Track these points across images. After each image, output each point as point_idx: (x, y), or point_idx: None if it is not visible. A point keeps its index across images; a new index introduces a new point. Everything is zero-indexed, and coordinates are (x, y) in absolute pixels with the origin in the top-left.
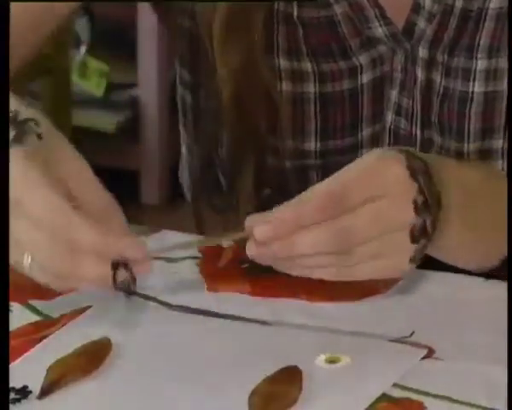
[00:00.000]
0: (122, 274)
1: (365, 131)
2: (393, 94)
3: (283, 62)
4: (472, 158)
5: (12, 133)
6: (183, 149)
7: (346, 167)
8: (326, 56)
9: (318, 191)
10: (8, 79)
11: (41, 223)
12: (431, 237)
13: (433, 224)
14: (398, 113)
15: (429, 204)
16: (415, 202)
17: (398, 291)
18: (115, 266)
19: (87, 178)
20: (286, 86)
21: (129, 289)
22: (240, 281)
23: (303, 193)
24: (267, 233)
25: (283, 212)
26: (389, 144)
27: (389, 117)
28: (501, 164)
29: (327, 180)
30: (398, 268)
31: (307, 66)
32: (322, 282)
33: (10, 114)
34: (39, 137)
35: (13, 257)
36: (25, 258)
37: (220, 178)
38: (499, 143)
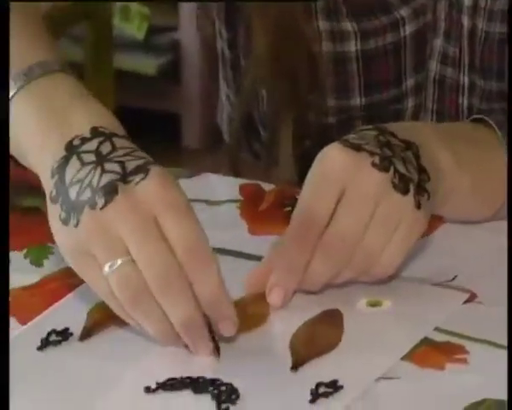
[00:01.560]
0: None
1: (409, 82)
2: (437, 43)
3: (323, 24)
4: None
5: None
6: (223, 98)
7: (301, 192)
8: (366, 14)
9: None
10: (8, 79)
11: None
12: (415, 177)
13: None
14: (443, 62)
15: (393, 154)
16: (373, 164)
17: (440, 235)
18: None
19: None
20: (326, 47)
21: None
22: (281, 224)
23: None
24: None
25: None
26: (433, 93)
27: (433, 66)
28: None
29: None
30: (412, 228)
31: (347, 25)
32: None
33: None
34: None
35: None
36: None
37: (260, 129)
38: None
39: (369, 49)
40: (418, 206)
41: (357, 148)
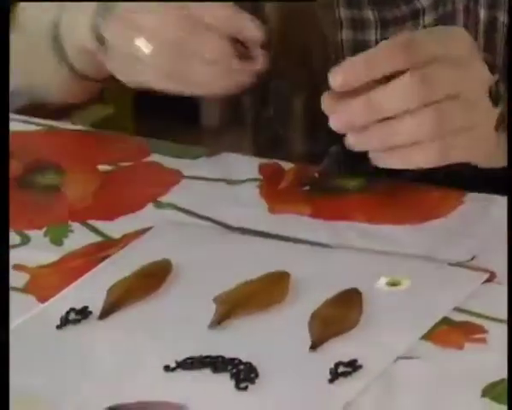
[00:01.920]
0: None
1: None
2: (460, 15)
3: (344, 11)
4: None
5: None
6: None
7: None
8: (388, 3)
9: (385, 42)
10: (8, 79)
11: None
12: (505, 105)
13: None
14: None
15: (496, 65)
16: (486, 61)
17: (460, 215)
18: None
19: None
20: (346, 35)
21: None
22: (300, 203)
23: None
24: (340, 76)
25: (355, 59)
26: None
27: None
28: None
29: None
30: (487, 139)
31: (368, 14)
32: (382, 204)
33: None
34: None
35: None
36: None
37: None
38: None
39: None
40: (497, 128)
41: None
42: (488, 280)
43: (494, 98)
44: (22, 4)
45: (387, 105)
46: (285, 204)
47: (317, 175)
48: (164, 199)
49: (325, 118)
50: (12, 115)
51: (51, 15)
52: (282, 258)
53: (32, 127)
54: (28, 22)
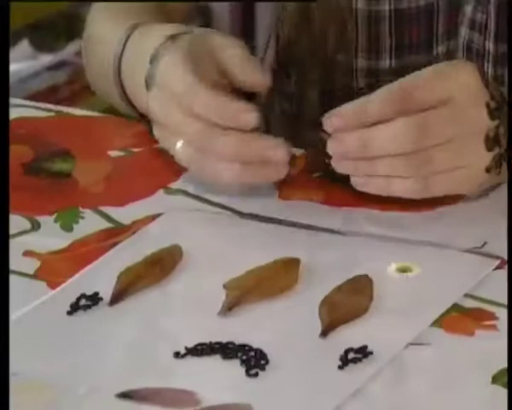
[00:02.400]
0: None
1: (440, 47)
2: (468, 9)
3: None
4: None
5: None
6: None
7: (416, 72)
8: None
9: (387, 87)
10: (7, 79)
11: (178, 100)
12: (504, 146)
13: (505, 133)
14: (471, 27)
15: (501, 109)
16: (487, 106)
17: (470, 202)
18: None
19: (235, 53)
20: (360, 4)
21: None
22: (312, 190)
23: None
24: (335, 122)
25: (351, 104)
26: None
27: (463, 32)
28: None
29: (396, 81)
30: (475, 178)
31: None
32: None
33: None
34: None
35: (165, 144)
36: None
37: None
38: None
39: (401, 9)
40: (488, 170)
41: (486, 83)
42: (499, 267)
43: (489, 144)
44: (91, 15)
45: (379, 146)
46: (296, 190)
47: (327, 161)
48: (174, 185)
49: (337, 102)
50: (23, 101)
51: (116, 44)
52: (293, 244)
53: (44, 113)
54: (98, 38)
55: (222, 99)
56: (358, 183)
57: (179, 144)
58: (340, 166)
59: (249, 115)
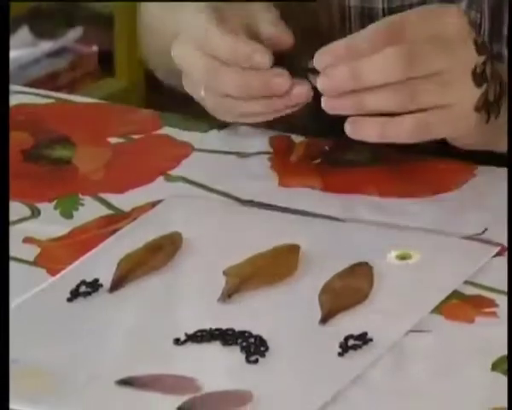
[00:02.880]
0: None
1: None
2: (462, 6)
3: None
4: None
5: None
6: None
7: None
8: None
9: (376, 23)
10: (7, 78)
11: (195, 39)
12: (491, 84)
13: (492, 70)
14: None
15: (487, 47)
16: (475, 42)
17: (470, 188)
18: None
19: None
20: (354, 1)
21: None
22: (311, 176)
23: None
24: (325, 57)
25: (341, 40)
26: None
27: None
28: None
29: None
30: (466, 118)
31: None
32: (393, 177)
33: None
34: None
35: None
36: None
37: None
38: None
39: (395, 8)
40: (477, 109)
41: (473, 25)
42: (499, 253)
43: (477, 79)
44: (144, 4)
45: (368, 76)
46: (296, 177)
47: (327, 148)
48: (174, 172)
49: None
50: (23, 88)
51: (171, 19)
52: (293, 231)
53: (44, 100)
54: (154, 24)
55: (236, 39)
56: (353, 130)
57: (203, 92)
58: (329, 106)
59: (262, 55)
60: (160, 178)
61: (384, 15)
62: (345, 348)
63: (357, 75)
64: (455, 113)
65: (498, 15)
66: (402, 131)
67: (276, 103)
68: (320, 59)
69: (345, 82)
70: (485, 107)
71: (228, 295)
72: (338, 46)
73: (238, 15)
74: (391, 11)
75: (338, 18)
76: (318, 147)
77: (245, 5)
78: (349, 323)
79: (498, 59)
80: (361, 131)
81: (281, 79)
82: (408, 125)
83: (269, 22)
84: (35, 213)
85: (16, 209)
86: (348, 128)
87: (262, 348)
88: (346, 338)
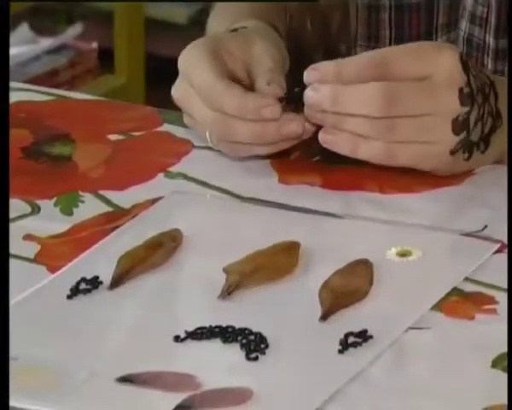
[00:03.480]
0: None
1: (440, 40)
2: (468, 2)
3: None
4: None
5: None
6: None
7: (401, 45)
8: None
9: (369, 52)
10: (7, 78)
11: (200, 93)
12: (471, 133)
13: (478, 122)
14: (472, 21)
15: (475, 97)
16: (460, 91)
17: (471, 185)
18: None
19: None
20: None
21: None
22: (311, 174)
23: None
24: (314, 72)
25: (332, 61)
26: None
27: (463, 25)
28: None
29: (380, 49)
30: (438, 158)
31: None
32: (393, 174)
33: None
34: None
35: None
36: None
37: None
38: None
39: (402, 1)
40: (452, 153)
41: (465, 70)
42: (499, 250)
43: (457, 128)
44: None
45: (347, 105)
46: (295, 174)
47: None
48: (175, 169)
49: None
50: (23, 85)
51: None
52: (293, 228)
53: (43, 97)
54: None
55: (245, 95)
56: (327, 140)
57: (208, 137)
58: (311, 115)
59: (271, 110)
60: (160, 175)
61: (391, 8)
62: (345, 345)
63: (338, 101)
64: (428, 151)
65: (505, 10)
66: (372, 155)
67: (289, 143)
68: (309, 73)
69: (326, 101)
70: (465, 148)
71: (228, 292)
72: (327, 66)
73: (238, 61)
74: (397, 3)
75: (346, 10)
76: (318, 144)
77: (246, 43)
78: (349, 320)
79: (504, 55)
80: (334, 143)
81: (293, 124)
82: (379, 151)
83: (266, 70)
84: (35, 210)
85: (16, 206)
86: (321, 136)
87: (262, 346)
88: (346, 335)
